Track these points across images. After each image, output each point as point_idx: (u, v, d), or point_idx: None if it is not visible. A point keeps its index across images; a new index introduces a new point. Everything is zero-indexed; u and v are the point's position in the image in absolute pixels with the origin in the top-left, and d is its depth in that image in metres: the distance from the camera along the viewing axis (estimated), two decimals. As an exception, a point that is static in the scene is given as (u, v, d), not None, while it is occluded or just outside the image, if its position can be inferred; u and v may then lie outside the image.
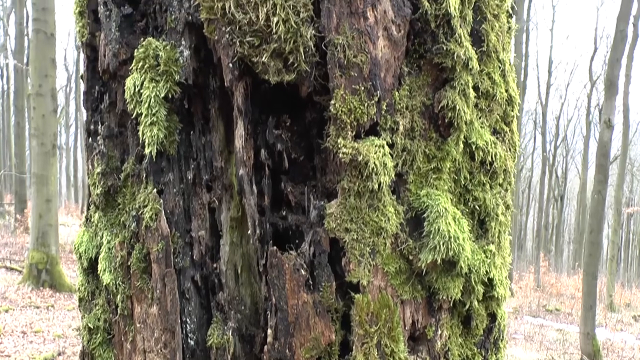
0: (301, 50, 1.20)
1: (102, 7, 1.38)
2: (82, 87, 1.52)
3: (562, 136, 40.14)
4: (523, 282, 25.87)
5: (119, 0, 1.38)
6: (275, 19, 1.18)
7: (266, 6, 1.18)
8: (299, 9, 1.20)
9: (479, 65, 1.48)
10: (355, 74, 1.23)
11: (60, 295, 12.79)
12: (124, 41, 1.36)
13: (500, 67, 1.52)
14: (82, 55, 1.52)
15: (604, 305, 19.58)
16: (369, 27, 1.22)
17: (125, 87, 1.34)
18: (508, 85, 1.55)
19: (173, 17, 1.30)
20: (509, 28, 1.57)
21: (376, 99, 1.25)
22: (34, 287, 12.94)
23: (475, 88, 1.47)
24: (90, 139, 1.48)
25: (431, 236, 1.34)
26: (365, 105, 1.24)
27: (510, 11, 1.59)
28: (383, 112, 1.27)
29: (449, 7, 1.31)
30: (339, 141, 1.24)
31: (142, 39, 1.36)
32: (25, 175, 21.98)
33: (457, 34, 1.33)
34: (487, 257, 1.47)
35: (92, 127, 1.47)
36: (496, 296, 1.54)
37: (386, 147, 1.28)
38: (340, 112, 1.23)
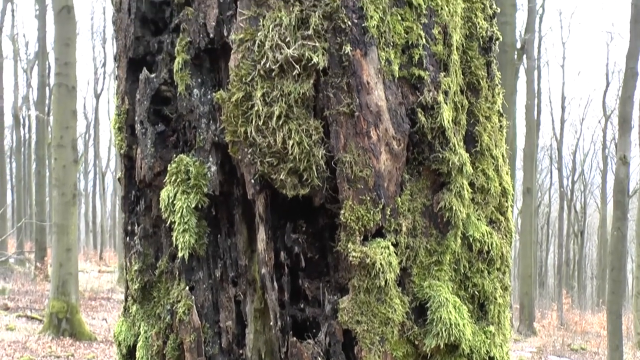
0: (314, 168, 1.38)
1: (138, 125, 1.59)
2: (120, 191, 1.71)
3: (579, 171, 40.00)
4: (546, 321, 25.54)
5: (154, 119, 1.58)
6: (291, 142, 1.37)
7: (283, 131, 1.37)
8: (311, 132, 1.38)
9: (474, 163, 1.65)
10: (362, 186, 1.40)
11: (80, 344, 12.93)
12: (157, 155, 1.56)
13: (493, 163, 1.70)
14: (119, 163, 1.72)
15: (632, 343, 19.23)
16: (373, 145, 1.41)
17: (159, 198, 1.53)
18: (502, 178, 1.72)
19: (201, 137, 1.50)
20: (501, 126, 1.75)
21: (381, 206, 1.42)
22: (54, 337, 13.10)
23: (471, 184, 1.64)
24: (127, 238, 1.67)
25: (434, 324, 1.50)
26: (372, 213, 1.41)
27: (501, 110, 1.76)
28: (387, 217, 1.44)
29: (443, 120, 1.49)
30: (348, 246, 1.41)
31: (173, 152, 1.55)
32: (45, 223, 22.31)
33: (451, 143, 1.51)
34: (487, 337, 1.62)
35: (129, 227, 1.66)
36: (498, 372, 1.67)
37: (391, 247, 1.45)
38: (349, 220, 1.40)
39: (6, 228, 26.31)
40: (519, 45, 21.18)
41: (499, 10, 1.79)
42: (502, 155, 1.75)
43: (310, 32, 1.37)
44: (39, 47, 24.72)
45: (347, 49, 1.38)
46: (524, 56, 22.37)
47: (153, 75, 1.58)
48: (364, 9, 1.41)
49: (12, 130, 33.43)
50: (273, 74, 1.37)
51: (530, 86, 23.55)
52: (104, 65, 36.27)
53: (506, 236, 1.72)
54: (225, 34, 1.45)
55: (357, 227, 1.41)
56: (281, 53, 1.36)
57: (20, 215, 28.89)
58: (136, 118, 1.60)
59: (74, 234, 14.69)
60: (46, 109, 24.40)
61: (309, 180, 1.39)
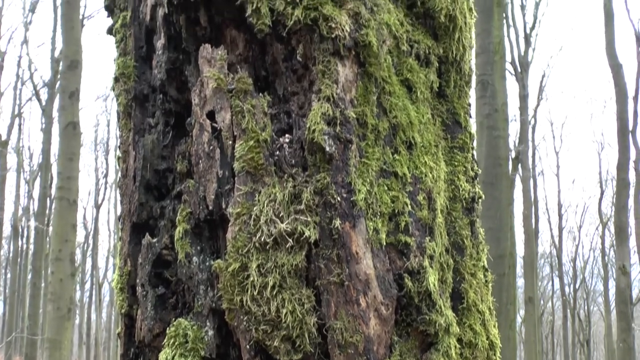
0: (306, 335, 1.45)
1: (139, 287, 1.67)
2: (119, 348, 1.77)
3: (581, 278, 39.63)
4: None
5: (154, 281, 1.66)
6: (284, 311, 1.45)
7: (277, 300, 1.45)
8: (304, 301, 1.47)
9: (462, 319, 1.72)
10: (352, 351, 1.46)
11: None
12: (157, 317, 1.63)
13: (480, 318, 1.76)
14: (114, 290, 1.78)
15: None
16: (362, 312, 1.48)
17: (158, 358, 1.59)
18: (489, 332, 1.78)
19: (200, 302, 1.58)
20: (486, 281, 1.83)
21: (371, 371, 1.48)
22: None
23: (459, 340, 1.69)
24: (125, 396, 1.70)
25: None
26: (362, 377, 1.46)
27: (486, 265, 1.85)
28: (378, 380, 1.49)
29: (429, 284, 1.57)
30: (341, 412, 1.45)
31: (172, 314, 1.63)
32: (37, 337, 21.79)
33: (437, 305, 1.58)
34: None
35: (127, 385, 1.70)
36: None
37: (382, 412, 1.48)
38: (340, 385, 1.45)
39: (-4, 342, 25.70)
40: (513, 155, 21.70)
41: (479, 171, 1.92)
42: (489, 309, 1.81)
43: (303, 207, 1.49)
44: (43, 159, 25.21)
45: (337, 222, 1.49)
46: (519, 166, 22.85)
47: (155, 240, 1.68)
48: (352, 183, 1.53)
49: (10, 241, 33.40)
50: (268, 247, 1.47)
51: (526, 195, 23.87)
52: (105, 176, 36.84)
53: (496, 391, 1.76)
54: (224, 206, 1.56)
55: (348, 393, 1.45)
56: (275, 227, 1.47)
57: (11, 328, 28.32)
58: (138, 280, 1.68)
59: (67, 349, 14.37)
60: (46, 219, 24.52)
61: (302, 347, 1.46)
